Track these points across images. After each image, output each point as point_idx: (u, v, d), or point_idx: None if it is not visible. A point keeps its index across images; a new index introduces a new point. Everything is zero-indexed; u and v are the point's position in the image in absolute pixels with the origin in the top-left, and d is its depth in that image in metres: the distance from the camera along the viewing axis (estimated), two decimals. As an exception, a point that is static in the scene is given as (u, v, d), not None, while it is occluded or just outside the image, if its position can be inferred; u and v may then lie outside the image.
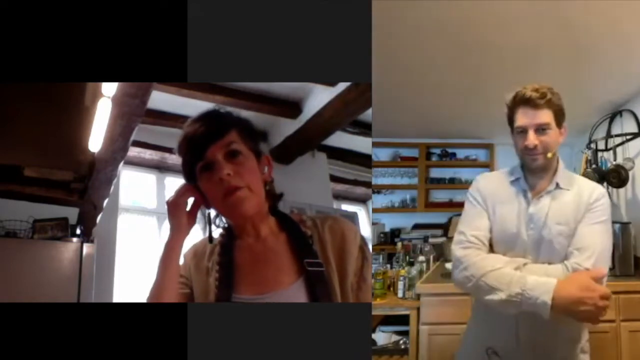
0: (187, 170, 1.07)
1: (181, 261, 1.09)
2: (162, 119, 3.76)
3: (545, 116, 1.29)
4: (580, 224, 1.30)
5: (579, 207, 1.32)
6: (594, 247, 1.27)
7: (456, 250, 1.35)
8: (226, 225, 1.14)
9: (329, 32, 1.35)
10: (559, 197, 1.33)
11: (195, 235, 1.14)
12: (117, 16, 1.31)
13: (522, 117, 1.30)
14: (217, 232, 1.13)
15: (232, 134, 1.05)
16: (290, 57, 1.35)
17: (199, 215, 1.10)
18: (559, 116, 1.31)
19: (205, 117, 1.08)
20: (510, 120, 1.35)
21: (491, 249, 1.36)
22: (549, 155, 1.31)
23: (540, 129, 1.29)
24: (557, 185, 1.34)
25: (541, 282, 1.21)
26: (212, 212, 1.11)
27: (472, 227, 1.36)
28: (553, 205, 1.32)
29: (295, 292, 1.00)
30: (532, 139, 1.29)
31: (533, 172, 1.35)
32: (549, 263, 1.30)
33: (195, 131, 1.04)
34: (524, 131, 1.30)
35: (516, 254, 1.32)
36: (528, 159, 1.32)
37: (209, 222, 1.10)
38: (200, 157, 1.03)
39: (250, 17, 1.33)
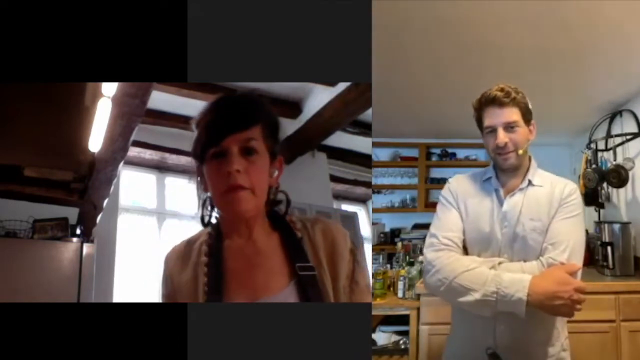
0: (199, 150, 1.02)
1: (162, 269, 1.06)
2: (162, 119, 3.77)
3: (513, 114, 1.31)
4: (554, 219, 1.31)
5: (552, 203, 1.32)
6: (568, 241, 1.28)
7: (427, 253, 1.34)
8: (215, 222, 1.08)
9: (329, 32, 1.35)
10: (532, 194, 1.34)
11: (183, 234, 1.11)
12: (117, 16, 1.30)
13: (490, 117, 1.33)
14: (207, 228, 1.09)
15: (255, 129, 1.00)
16: (290, 57, 1.35)
17: (195, 198, 1.06)
18: (526, 114, 1.34)
19: (236, 102, 1.04)
20: (479, 122, 1.38)
21: (465, 251, 1.35)
22: (520, 152, 1.32)
23: (509, 127, 1.31)
24: (530, 183, 1.35)
25: (517, 279, 1.21)
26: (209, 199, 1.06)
27: (444, 228, 1.36)
28: (526, 202, 1.33)
29: (287, 297, 0.97)
30: (502, 137, 1.31)
31: (505, 171, 1.37)
32: (525, 261, 1.30)
33: (221, 115, 1.00)
34: (493, 130, 1.33)
35: (491, 254, 1.32)
36: (500, 158, 1.34)
37: (204, 205, 1.06)
38: (216, 142, 0.98)
39: (250, 17, 1.33)
